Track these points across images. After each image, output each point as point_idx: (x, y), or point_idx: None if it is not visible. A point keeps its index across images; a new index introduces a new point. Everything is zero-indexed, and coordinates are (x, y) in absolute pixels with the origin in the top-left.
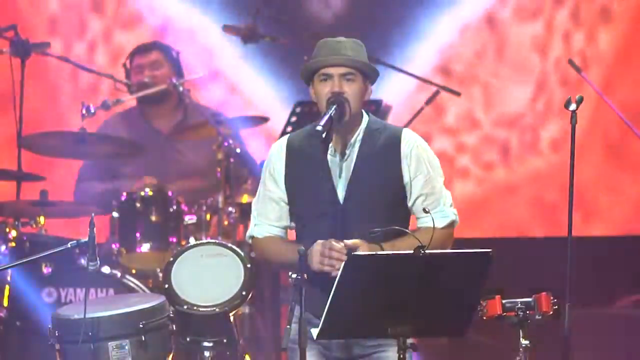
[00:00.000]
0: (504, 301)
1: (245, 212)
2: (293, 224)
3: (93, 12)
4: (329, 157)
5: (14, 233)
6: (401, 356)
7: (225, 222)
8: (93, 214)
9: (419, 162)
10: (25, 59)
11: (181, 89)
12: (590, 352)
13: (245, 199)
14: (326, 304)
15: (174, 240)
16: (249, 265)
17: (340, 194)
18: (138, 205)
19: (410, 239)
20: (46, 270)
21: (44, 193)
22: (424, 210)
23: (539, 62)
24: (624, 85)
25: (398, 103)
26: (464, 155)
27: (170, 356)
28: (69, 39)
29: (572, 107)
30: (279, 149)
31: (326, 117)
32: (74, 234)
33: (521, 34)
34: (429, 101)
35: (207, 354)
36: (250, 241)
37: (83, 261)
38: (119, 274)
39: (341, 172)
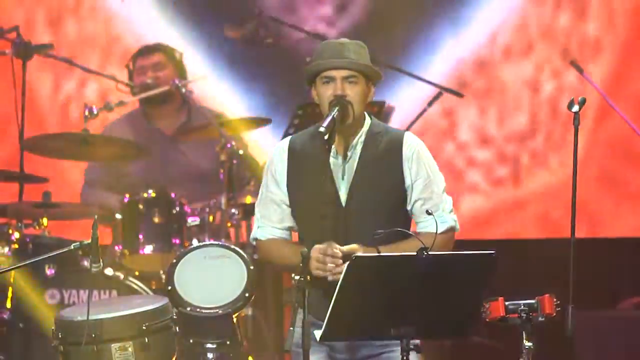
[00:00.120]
0: (507, 303)
1: (248, 213)
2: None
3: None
4: (331, 159)
5: (17, 235)
6: (404, 357)
7: (229, 224)
8: (96, 216)
9: (420, 166)
10: (27, 60)
11: (184, 90)
12: (593, 354)
13: (248, 200)
14: (329, 306)
15: (177, 241)
16: (252, 267)
17: (342, 196)
18: (141, 207)
19: (408, 242)
20: (49, 271)
21: (46, 195)
22: (427, 212)
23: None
24: (616, 115)
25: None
26: (474, 170)
27: (174, 358)
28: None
29: (575, 108)
30: (281, 150)
31: (329, 119)
32: (77, 236)
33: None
34: (431, 102)
35: (210, 355)
36: (254, 243)
37: (86, 263)
38: (122, 276)
39: (343, 174)
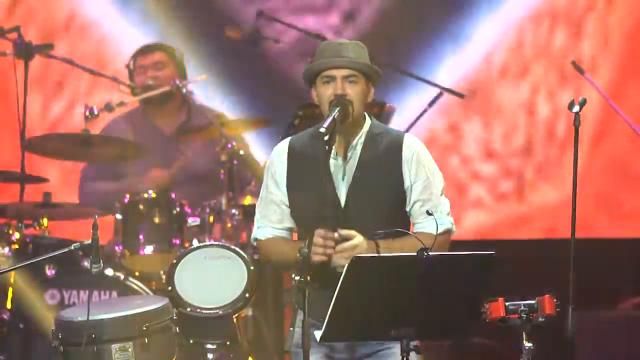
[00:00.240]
0: (507, 303)
1: (248, 214)
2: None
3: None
4: (330, 159)
5: (17, 235)
6: (404, 358)
7: (229, 224)
8: (96, 216)
9: (419, 167)
10: (28, 60)
11: (185, 90)
12: (593, 355)
13: (248, 200)
14: (329, 306)
15: (178, 242)
16: (252, 268)
17: (342, 196)
18: (141, 207)
19: (407, 240)
20: (49, 272)
21: (47, 195)
22: (427, 213)
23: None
24: (613, 138)
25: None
26: (479, 185)
27: (174, 358)
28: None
29: (575, 109)
30: (281, 151)
31: (329, 119)
32: (77, 236)
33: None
34: (432, 103)
35: (210, 356)
36: (254, 244)
37: (86, 263)
38: (122, 276)
39: (343, 175)
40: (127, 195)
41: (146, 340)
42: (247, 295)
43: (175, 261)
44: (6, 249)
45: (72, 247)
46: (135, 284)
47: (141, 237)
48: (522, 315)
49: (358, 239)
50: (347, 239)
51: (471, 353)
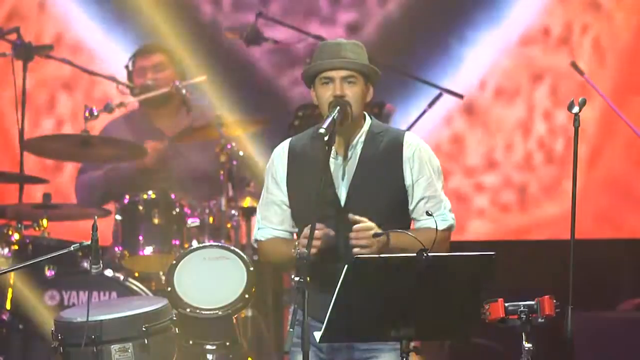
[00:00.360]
0: (506, 304)
1: (248, 215)
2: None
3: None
4: (330, 159)
5: (16, 236)
6: (404, 359)
7: (228, 225)
8: (96, 217)
9: (422, 165)
10: (27, 61)
11: (184, 91)
12: (593, 356)
13: (247, 202)
14: (328, 307)
15: (177, 243)
16: (251, 268)
17: (342, 196)
18: (141, 208)
19: (417, 233)
20: (49, 273)
21: (46, 196)
22: (427, 213)
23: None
24: (609, 157)
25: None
26: (482, 196)
27: (173, 359)
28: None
29: (575, 109)
30: (281, 151)
31: (329, 120)
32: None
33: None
34: (431, 104)
35: (210, 356)
36: (255, 245)
37: (86, 264)
38: (121, 277)
39: (343, 175)
40: (127, 196)
41: (146, 341)
42: (246, 296)
43: (174, 262)
44: (6, 250)
45: (72, 248)
46: (135, 284)
47: (141, 237)
48: (522, 316)
49: (367, 226)
50: (355, 222)
51: (471, 353)
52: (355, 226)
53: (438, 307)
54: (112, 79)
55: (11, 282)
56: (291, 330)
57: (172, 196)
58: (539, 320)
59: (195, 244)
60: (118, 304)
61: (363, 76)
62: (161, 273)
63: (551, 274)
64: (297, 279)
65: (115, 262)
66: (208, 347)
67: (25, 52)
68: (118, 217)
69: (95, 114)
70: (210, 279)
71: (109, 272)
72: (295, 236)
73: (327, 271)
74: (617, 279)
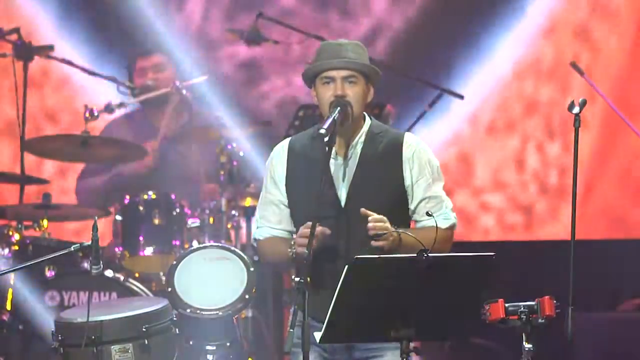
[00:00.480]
0: (507, 305)
1: (248, 215)
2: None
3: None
4: (330, 159)
5: (16, 236)
6: (404, 359)
7: (229, 225)
8: (96, 217)
9: (422, 165)
10: (28, 62)
11: (184, 92)
12: (594, 356)
13: (248, 202)
14: (329, 308)
15: (177, 243)
16: (252, 269)
17: (342, 196)
18: (141, 208)
19: (423, 231)
20: (49, 273)
21: (47, 196)
22: (427, 214)
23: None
24: (605, 182)
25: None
26: (488, 215)
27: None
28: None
29: (575, 110)
30: (281, 151)
31: (329, 120)
32: (77, 237)
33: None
34: (432, 104)
35: (210, 357)
36: (254, 244)
37: (86, 264)
38: (122, 278)
39: (343, 175)
40: (127, 197)
41: (146, 342)
42: (247, 296)
43: (175, 262)
44: (6, 251)
45: (72, 249)
46: (135, 285)
47: (141, 238)
48: (522, 316)
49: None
50: (365, 215)
51: (471, 354)
52: (372, 217)
53: (438, 308)
54: (112, 79)
55: (11, 282)
56: (291, 330)
57: (173, 196)
58: (539, 320)
59: (195, 244)
60: (118, 304)
61: (364, 76)
62: (161, 273)
63: (551, 274)
64: (297, 279)
65: (116, 262)
66: (208, 347)
67: (26, 52)
68: (118, 217)
69: (96, 114)
70: (211, 280)
71: (109, 273)
72: (294, 236)
73: (328, 271)
74: (618, 280)
